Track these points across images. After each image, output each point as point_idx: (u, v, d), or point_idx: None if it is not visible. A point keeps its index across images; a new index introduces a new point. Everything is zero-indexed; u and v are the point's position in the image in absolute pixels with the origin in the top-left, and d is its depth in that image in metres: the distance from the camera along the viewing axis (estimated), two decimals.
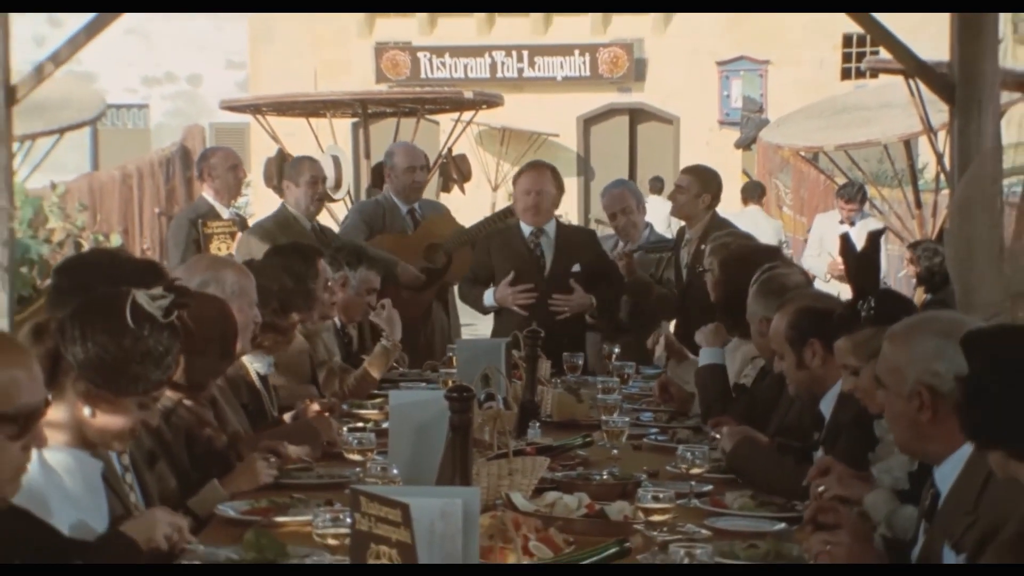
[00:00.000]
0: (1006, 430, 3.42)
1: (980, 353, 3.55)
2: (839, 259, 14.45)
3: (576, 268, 8.52)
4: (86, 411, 3.92)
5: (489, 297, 8.58)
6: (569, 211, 26.48)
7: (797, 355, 5.42)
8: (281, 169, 10.47)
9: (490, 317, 8.94)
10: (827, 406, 5.36)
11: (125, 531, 3.89)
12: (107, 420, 3.95)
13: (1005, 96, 8.10)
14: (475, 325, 11.26)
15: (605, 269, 8.62)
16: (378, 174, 13.50)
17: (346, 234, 9.35)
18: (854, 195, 14.87)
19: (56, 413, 3.77)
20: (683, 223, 9.34)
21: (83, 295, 4.05)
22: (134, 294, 3.93)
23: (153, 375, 3.96)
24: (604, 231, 12.54)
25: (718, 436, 5.83)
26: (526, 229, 8.58)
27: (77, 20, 8.20)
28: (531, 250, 8.59)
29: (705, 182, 9.19)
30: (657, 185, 24.68)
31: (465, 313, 9.95)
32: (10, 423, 3.07)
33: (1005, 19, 7.38)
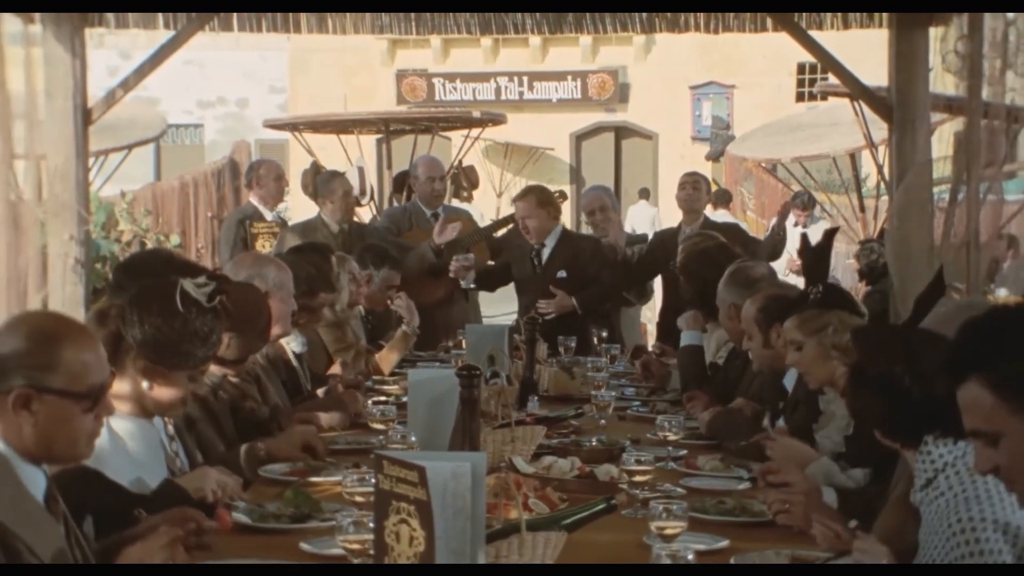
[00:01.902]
0: (880, 413, 3.42)
1: (862, 346, 3.55)
2: (796, 257, 14.60)
3: (562, 274, 8.53)
4: (144, 384, 3.95)
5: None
6: (563, 214, 26.45)
7: (764, 336, 5.41)
8: (315, 179, 10.43)
9: (508, 310, 9.03)
10: (789, 382, 5.36)
11: (179, 482, 3.91)
12: (162, 392, 3.99)
13: (935, 116, 8.07)
14: (495, 318, 11.24)
15: (596, 270, 8.58)
16: (399, 182, 13.49)
17: (376, 235, 9.39)
18: (805, 204, 15.07)
19: (119, 386, 3.81)
20: (669, 224, 9.42)
21: (138, 285, 4.07)
22: (182, 283, 3.95)
23: (200, 352, 4.00)
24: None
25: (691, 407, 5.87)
26: (532, 241, 8.65)
27: (143, 52, 8.21)
28: (531, 259, 8.66)
29: (708, 183, 9.34)
30: (644, 193, 25.20)
31: (486, 305, 10.00)
32: (84, 399, 3.10)
33: (934, 51, 7.38)
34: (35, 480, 3.04)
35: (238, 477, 4.28)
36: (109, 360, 3.40)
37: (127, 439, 3.93)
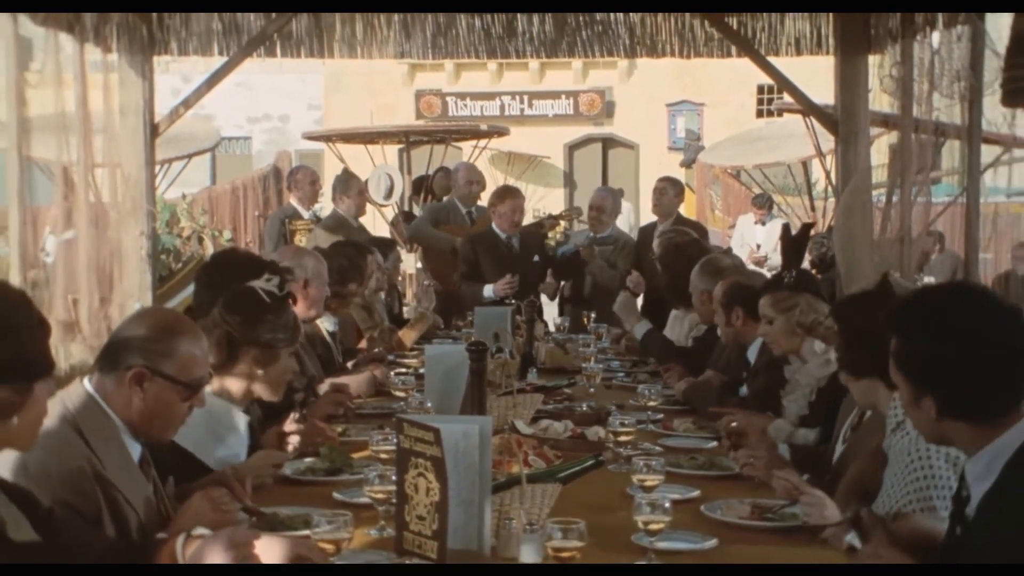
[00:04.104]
0: (881, 364, 3.45)
1: (849, 312, 3.60)
2: (755, 249, 14.60)
3: (536, 259, 8.81)
4: (259, 371, 4.00)
5: (488, 290, 8.63)
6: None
7: (726, 316, 5.44)
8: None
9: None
10: (752, 354, 5.37)
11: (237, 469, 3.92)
12: (272, 370, 4.04)
13: (874, 130, 8.07)
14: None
15: (550, 257, 8.96)
16: (417, 186, 13.51)
17: (416, 226, 9.56)
18: (763, 204, 15.14)
19: (236, 375, 3.95)
20: (648, 221, 9.45)
21: (225, 283, 4.07)
22: (255, 285, 3.99)
23: (283, 335, 4.04)
24: (580, 226, 12.56)
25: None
26: (502, 235, 8.67)
27: (201, 76, 8.22)
28: (508, 248, 8.73)
29: (678, 188, 9.36)
30: (620, 193, 25.16)
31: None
32: (185, 387, 3.17)
33: (873, 75, 7.40)
34: (133, 448, 3.15)
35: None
36: (228, 355, 3.72)
37: (216, 422, 3.95)
